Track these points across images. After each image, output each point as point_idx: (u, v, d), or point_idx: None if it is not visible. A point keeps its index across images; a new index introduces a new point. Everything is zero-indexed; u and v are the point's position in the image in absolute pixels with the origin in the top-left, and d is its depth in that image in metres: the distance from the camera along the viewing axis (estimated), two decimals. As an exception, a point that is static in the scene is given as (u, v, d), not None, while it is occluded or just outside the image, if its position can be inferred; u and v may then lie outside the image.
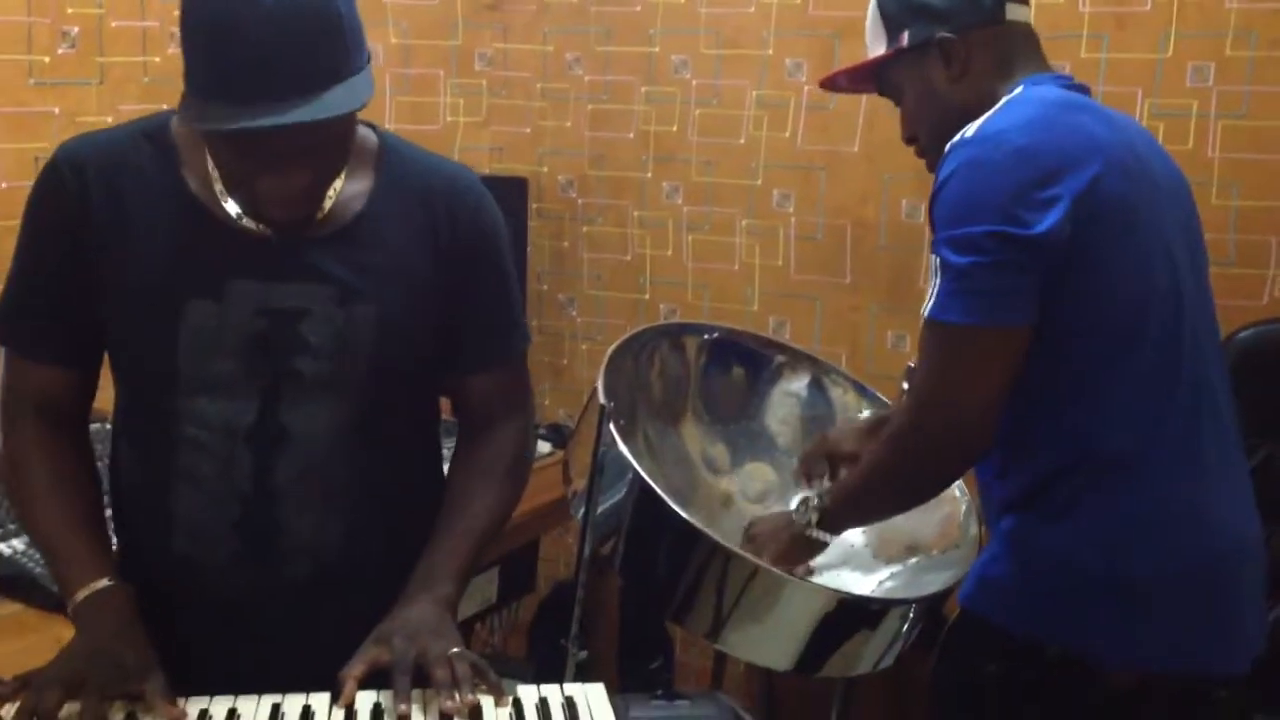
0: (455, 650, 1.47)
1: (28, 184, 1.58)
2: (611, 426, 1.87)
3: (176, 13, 1.39)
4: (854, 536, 2.16)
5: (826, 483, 2.19)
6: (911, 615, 1.93)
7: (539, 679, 1.53)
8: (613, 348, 2.14)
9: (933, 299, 1.63)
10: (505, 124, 3.45)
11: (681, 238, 3.30)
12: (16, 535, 2.05)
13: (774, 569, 1.85)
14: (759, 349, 2.46)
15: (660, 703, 1.46)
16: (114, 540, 1.69)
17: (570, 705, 1.45)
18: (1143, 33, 2.75)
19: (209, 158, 1.53)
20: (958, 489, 2.15)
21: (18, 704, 1.36)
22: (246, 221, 1.53)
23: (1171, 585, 1.65)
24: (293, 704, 1.43)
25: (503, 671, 1.48)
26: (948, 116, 1.75)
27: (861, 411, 2.41)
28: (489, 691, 1.44)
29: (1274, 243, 2.73)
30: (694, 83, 3.22)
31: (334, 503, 1.59)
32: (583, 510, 1.89)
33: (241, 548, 1.57)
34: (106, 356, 1.63)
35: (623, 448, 1.87)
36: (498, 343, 1.72)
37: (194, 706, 1.41)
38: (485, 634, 3.37)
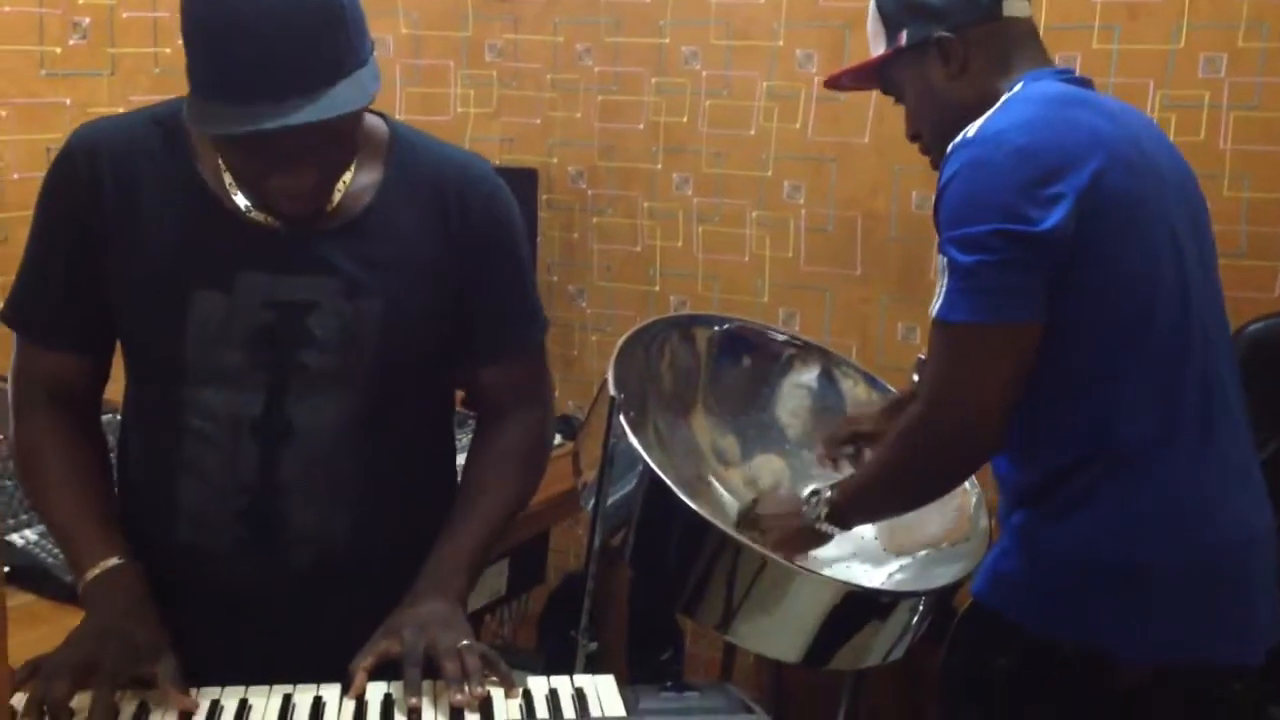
0: (465, 643, 1.47)
1: (40, 175, 1.59)
2: (622, 418, 1.87)
3: (186, 7, 1.39)
4: (864, 529, 2.16)
5: (847, 468, 2.19)
6: (921, 608, 1.93)
7: (549, 670, 1.53)
8: (623, 339, 2.14)
9: (940, 299, 1.63)
10: (515, 115, 3.45)
11: (692, 229, 3.30)
12: (29, 526, 2.06)
13: (781, 559, 1.84)
14: (769, 340, 2.46)
15: (670, 694, 1.47)
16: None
17: (580, 696, 1.45)
18: (1155, 23, 2.74)
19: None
20: (968, 481, 2.15)
21: (28, 694, 1.36)
22: (255, 214, 1.53)
23: (1184, 577, 1.65)
24: (304, 696, 1.43)
25: (513, 663, 1.49)
26: (948, 114, 1.75)
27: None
28: (499, 683, 1.44)
29: (1286, 235, 2.73)
30: (704, 74, 3.21)
31: (340, 495, 1.59)
32: (593, 502, 1.89)
33: (247, 539, 1.58)
34: (120, 345, 1.64)
35: (633, 439, 1.87)
36: (512, 333, 1.71)
37: (205, 699, 1.41)
38: (495, 625, 3.37)
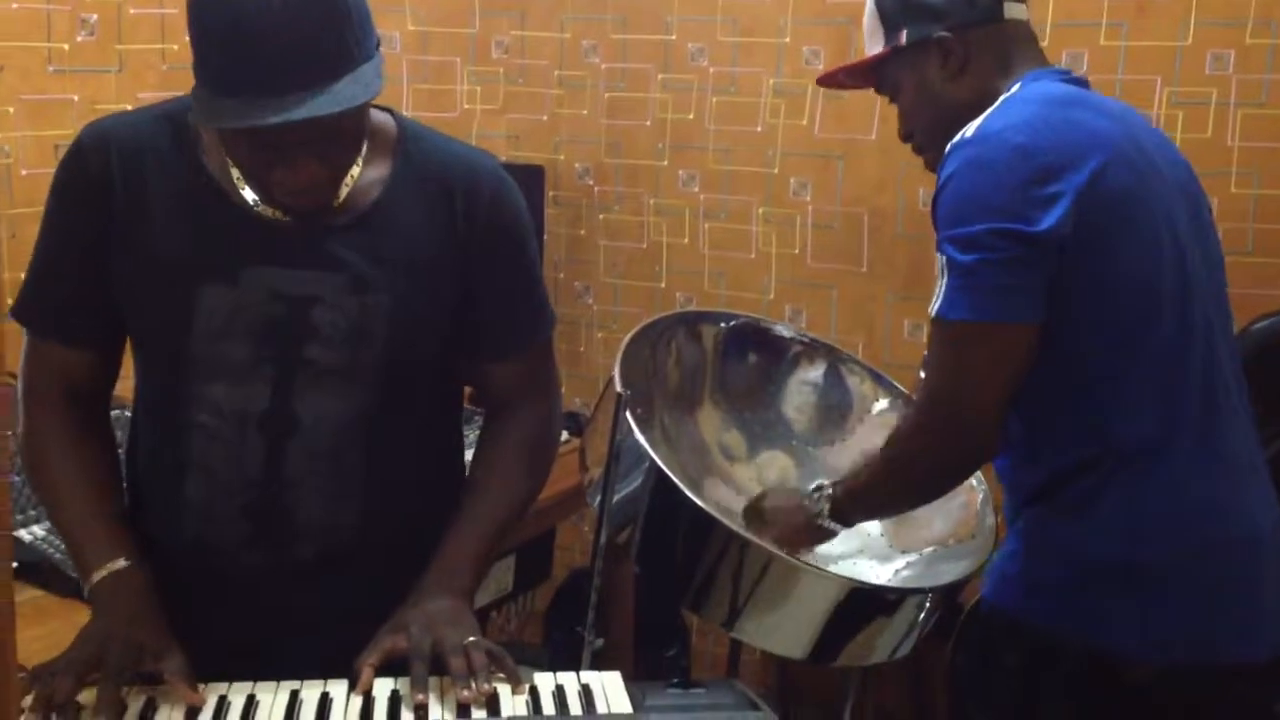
0: (472, 639, 1.47)
1: (48, 171, 1.59)
2: (628, 415, 1.87)
3: (193, 3, 1.39)
4: (870, 525, 2.16)
5: None
6: (928, 605, 1.93)
7: (555, 667, 1.53)
8: (629, 336, 2.14)
9: (939, 297, 1.63)
10: (522, 112, 3.45)
11: (698, 226, 3.30)
12: (37, 521, 2.06)
13: (787, 556, 1.85)
14: (776, 337, 2.45)
15: (676, 690, 1.46)
16: (130, 525, 1.70)
17: (586, 693, 1.46)
18: (1162, 20, 2.74)
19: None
20: (974, 479, 2.15)
21: (34, 693, 1.37)
22: (263, 209, 1.53)
23: (1190, 575, 1.65)
24: (310, 692, 1.43)
25: (519, 659, 1.49)
26: (945, 114, 1.75)
27: (878, 400, 2.41)
28: (506, 680, 1.44)
29: (1293, 231, 2.72)
30: (711, 70, 3.21)
31: (346, 490, 1.60)
32: (599, 498, 1.89)
33: (253, 533, 1.58)
34: (129, 341, 1.64)
35: (639, 436, 1.87)
36: (520, 330, 1.71)
37: (212, 694, 1.42)
38: (501, 622, 3.37)
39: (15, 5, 2.52)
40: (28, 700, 1.36)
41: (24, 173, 2.53)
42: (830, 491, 1.88)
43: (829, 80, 2.01)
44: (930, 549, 2.17)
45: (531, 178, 3.18)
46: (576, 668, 1.58)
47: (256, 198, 1.53)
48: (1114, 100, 1.82)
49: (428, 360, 1.64)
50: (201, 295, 1.52)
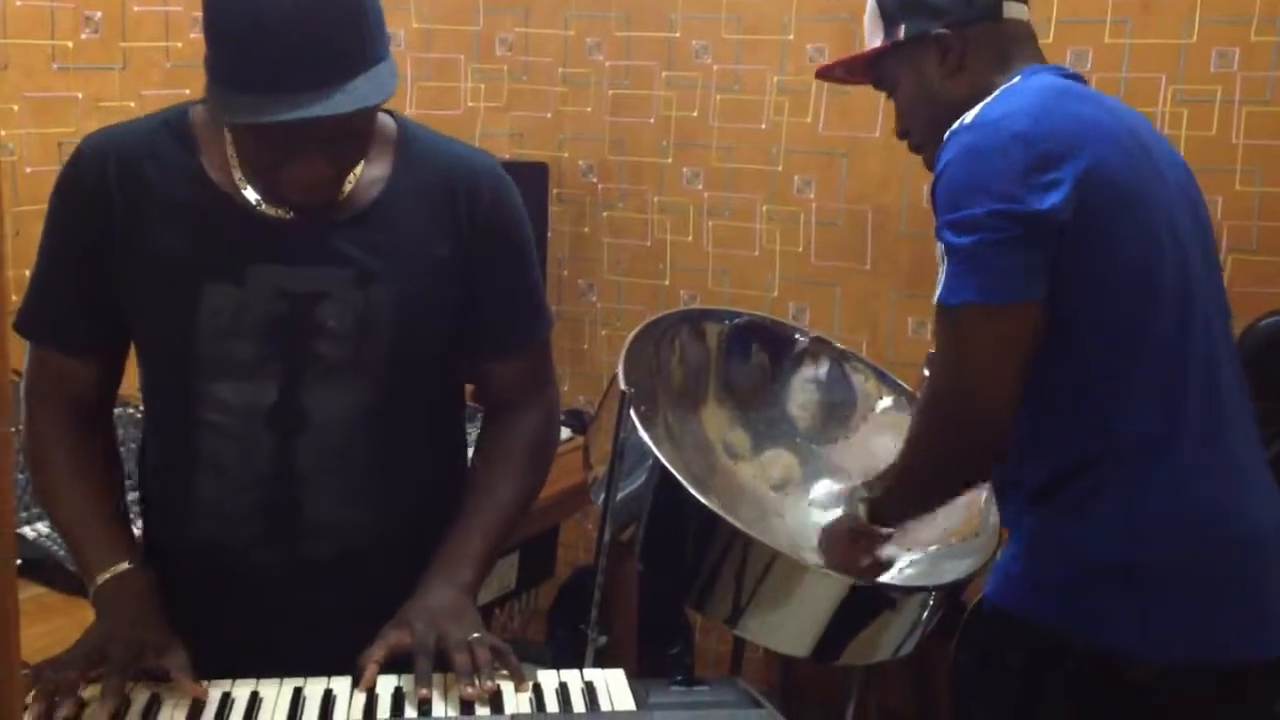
0: (476, 635, 1.47)
1: (52, 168, 1.60)
2: (632, 412, 1.87)
3: (200, -2, 1.40)
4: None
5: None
6: (931, 603, 1.93)
7: (558, 664, 1.53)
8: (633, 334, 2.14)
9: (941, 285, 1.63)
10: (526, 109, 3.45)
11: (702, 223, 3.30)
12: (40, 519, 2.06)
13: (790, 554, 1.85)
14: (779, 335, 2.45)
15: (679, 688, 1.46)
16: (139, 524, 1.71)
17: (590, 690, 1.46)
18: (1167, 18, 2.73)
19: (229, 145, 1.54)
20: (978, 477, 2.15)
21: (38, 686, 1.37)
22: (266, 208, 1.54)
23: (1192, 574, 1.65)
24: (314, 688, 1.43)
25: (523, 657, 1.49)
26: (941, 111, 1.75)
27: (882, 398, 2.41)
28: (509, 676, 1.44)
29: (1298, 229, 2.72)
30: (715, 68, 3.21)
31: (356, 486, 1.60)
32: (603, 496, 1.89)
33: (264, 530, 1.58)
34: (133, 347, 1.65)
35: (643, 434, 1.87)
36: (518, 330, 1.72)
37: (216, 690, 1.42)
38: (505, 619, 3.37)
39: (19, 3, 2.52)
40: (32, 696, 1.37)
41: (28, 170, 2.53)
42: (866, 493, 1.86)
43: (828, 73, 2.01)
44: (934, 547, 2.17)
45: (535, 175, 3.19)
46: (580, 665, 1.58)
47: (260, 197, 1.54)
48: (1113, 98, 1.82)
49: (432, 356, 1.64)
50: (206, 294, 1.53)
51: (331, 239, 1.55)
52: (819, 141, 3.12)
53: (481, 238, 1.63)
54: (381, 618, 1.52)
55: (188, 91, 2.73)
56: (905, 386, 2.38)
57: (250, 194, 1.54)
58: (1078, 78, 1.78)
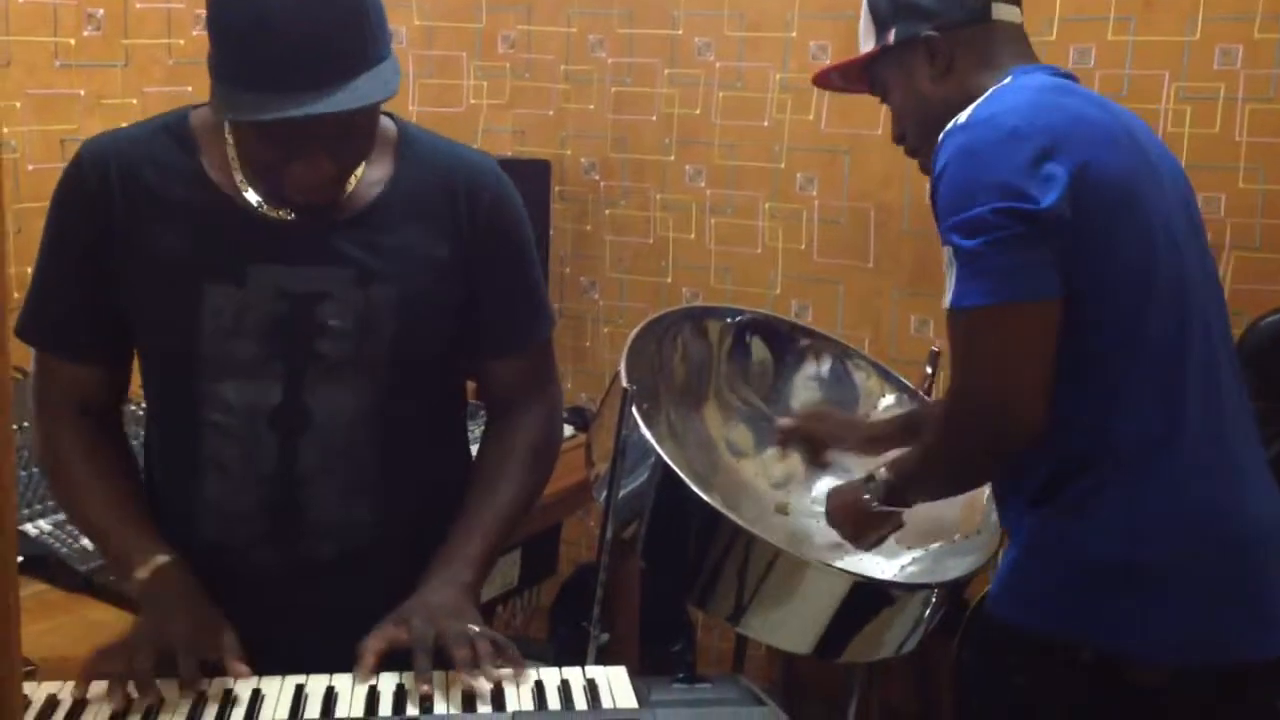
0: (475, 630, 1.47)
1: (53, 165, 1.60)
2: (634, 410, 1.87)
3: (202, -5, 1.40)
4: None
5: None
6: (934, 600, 1.93)
7: (560, 661, 1.53)
8: (635, 331, 2.14)
9: (950, 289, 1.62)
10: (528, 106, 3.45)
11: (704, 221, 3.30)
12: (43, 516, 2.06)
13: (792, 551, 1.84)
14: (782, 333, 2.45)
15: (681, 686, 1.46)
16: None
17: (592, 687, 1.45)
18: (1170, 15, 2.73)
19: (230, 147, 1.55)
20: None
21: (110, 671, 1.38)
22: (267, 209, 1.55)
23: (1191, 574, 1.64)
24: (316, 685, 1.43)
25: (525, 654, 1.49)
26: (933, 114, 1.74)
27: (884, 395, 2.41)
28: (510, 666, 1.44)
29: (1301, 227, 2.72)
30: (717, 65, 3.21)
31: (359, 485, 1.60)
32: (605, 494, 1.90)
33: (268, 530, 1.59)
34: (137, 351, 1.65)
35: (645, 431, 1.87)
36: (519, 329, 1.72)
37: (218, 687, 1.42)
38: (507, 617, 3.38)
39: (21, 0, 2.52)
40: (96, 688, 1.37)
41: (30, 167, 2.53)
42: (884, 476, 1.85)
43: (825, 81, 2.00)
44: (937, 544, 2.17)
45: (537, 173, 3.19)
46: (582, 663, 1.59)
47: (260, 199, 1.55)
48: (1106, 98, 1.82)
49: (433, 355, 1.64)
50: (208, 295, 1.53)
51: (332, 239, 1.55)
52: (821, 139, 3.12)
53: (481, 238, 1.63)
54: (382, 617, 1.52)
55: (190, 89, 2.73)
56: (908, 384, 2.39)
57: (251, 195, 1.55)
58: (1071, 77, 1.78)
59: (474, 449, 1.79)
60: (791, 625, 1.89)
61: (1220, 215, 2.72)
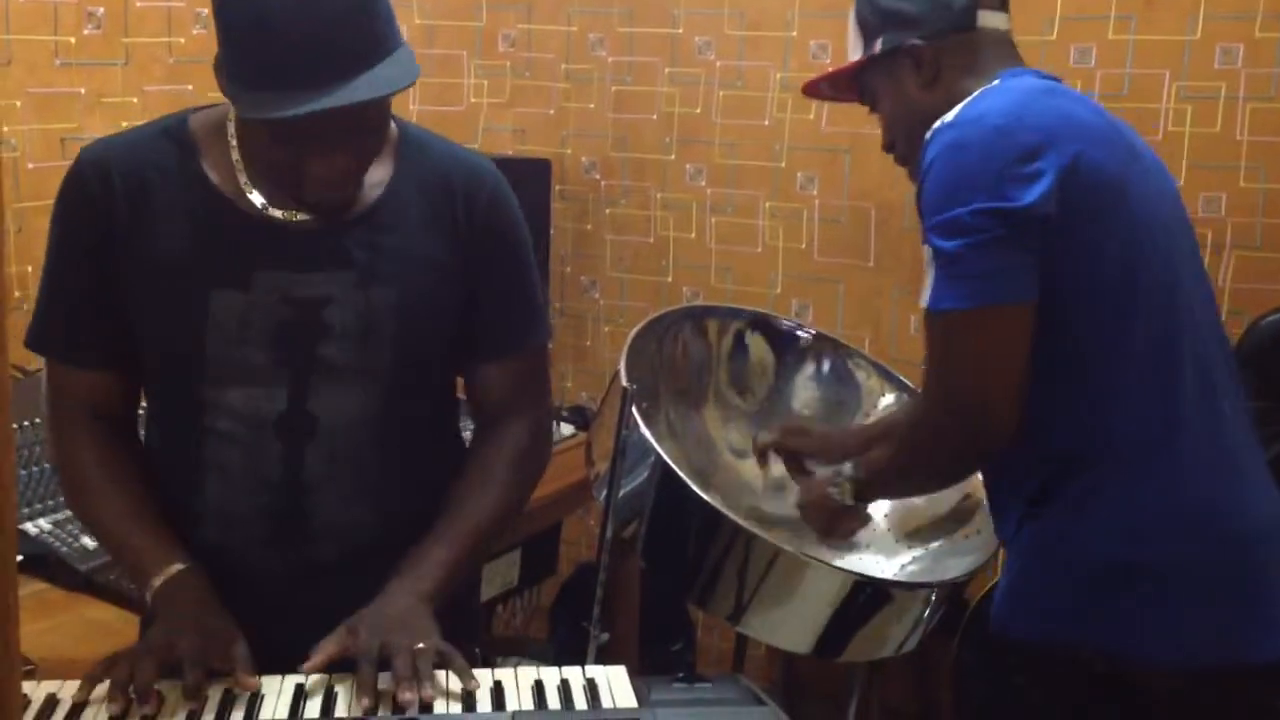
0: (421, 645, 1.45)
1: (54, 164, 1.60)
2: (634, 409, 1.87)
3: (201, -7, 1.40)
4: (877, 520, 2.16)
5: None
6: (933, 600, 1.93)
7: (560, 661, 1.53)
8: (635, 330, 2.14)
9: (927, 290, 1.62)
10: (528, 105, 3.45)
11: (704, 220, 3.30)
12: (43, 515, 2.06)
13: (793, 550, 1.84)
14: (782, 332, 2.45)
15: (681, 685, 1.46)
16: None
17: (592, 687, 1.45)
18: (1171, 14, 2.73)
19: (233, 150, 1.55)
20: (981, 475, 2.14)
21: (108, 681, 1.38)
22: (273, 211, 1.54)
23: (1190, 574, 1.63)
24: (316, 685, 1.43)
25: (525, 653, 1.48)
26: (920, 122, 1.74)
27: (885, 395, 2.41)
28: (456, 673, 1.43)
29: (1302, 226, 2.72)
30: (718, 64, 3.21)
31: (361, 488, 1.60)
32: (605, 493, 1.89)
33: (270, 533, 1.58)
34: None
35: (645, 430, 1.87)
36: (514, 333, 1.71)
37: (217, 690, 1.41)
38: (507, 616, 3.38)
39: (22, -1, 2.53)
40: (100, 690, 1.37)
41: (31, 166, 2.53)
42: (855, 473, 1.86)
43: (815, 91, 2.00)
44: (936, 543, 2.17)
45: (538, 172, 3.19)
46: (582, 662, 1.58)
47: (265, 201, 1.54)
48: (1092, 100, 1.82)
49: (435, 357, 1.64)
50: (213, 301, 1.53)
51: (334, 242, 1.55)
52: (822, 138, 3.12)
53: (479, 238, 1.63)
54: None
55: (190, 87, 2.73)
56: (908, 383, 2.38)
57: (255, 198, 1.54)
58: (1057, 80, 1.78)
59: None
60: (791, 624, 1.89)
61: (1221, 214, 2.72)
